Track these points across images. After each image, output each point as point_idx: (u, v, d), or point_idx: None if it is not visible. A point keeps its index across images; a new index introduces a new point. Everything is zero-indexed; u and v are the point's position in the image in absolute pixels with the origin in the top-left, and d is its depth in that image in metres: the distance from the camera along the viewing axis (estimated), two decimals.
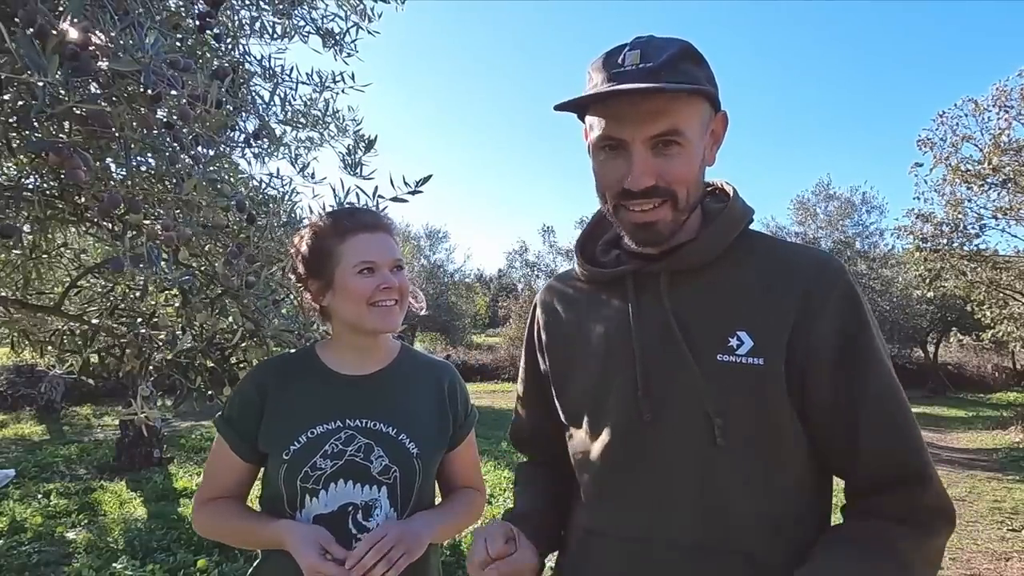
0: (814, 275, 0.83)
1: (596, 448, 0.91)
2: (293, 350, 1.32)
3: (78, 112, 0.97)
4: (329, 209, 1.30)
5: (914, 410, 0.84)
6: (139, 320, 1.62)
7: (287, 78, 1.70)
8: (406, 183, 1.39)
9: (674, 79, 0.79)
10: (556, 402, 1.01)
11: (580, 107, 0.87)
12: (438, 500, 1.29)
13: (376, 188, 1.42)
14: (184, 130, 1.05)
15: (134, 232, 1.14)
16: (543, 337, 1.05)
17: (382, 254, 1.15)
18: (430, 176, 1.39)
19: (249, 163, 1.65)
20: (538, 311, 1.07)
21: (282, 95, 1.69)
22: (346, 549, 1.05)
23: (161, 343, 1.59)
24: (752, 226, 0.93)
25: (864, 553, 0.78)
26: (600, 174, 0.87)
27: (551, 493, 1.05)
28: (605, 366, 0.92)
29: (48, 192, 1.35)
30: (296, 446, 1.13)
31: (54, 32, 0.83)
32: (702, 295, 0.87)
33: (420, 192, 1.39)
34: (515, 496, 1.12)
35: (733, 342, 0.83)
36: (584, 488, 0.95)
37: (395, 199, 1.38)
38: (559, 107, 0.85)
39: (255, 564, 1.21)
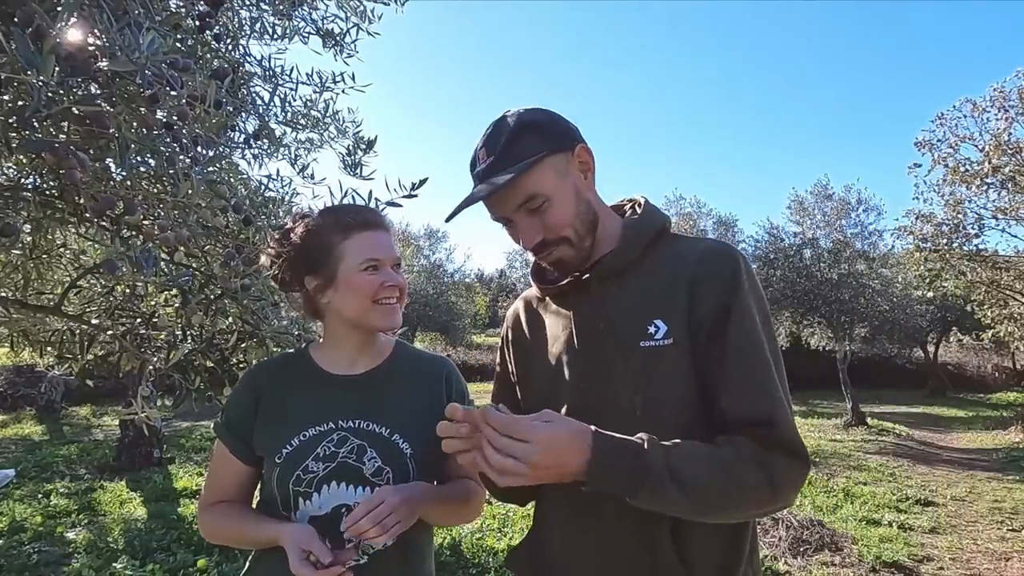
0: (700, 260, 0.98)
1: None
2: (292, 350, 1.31)
3: (76, 112, 0.97)
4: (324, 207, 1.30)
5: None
6: (139, 321, 1.62)
7: (287, 79, 1.70)
8: (401, 186, 1.39)
9: (510, 162, 0.97)
10: (520, 398, 1.18)
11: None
12: None
13: (371, 192, 1.41)
14: (184, 130, 1.04)
15: (131, 233, 1.14)
16: (511, 343, 1.22)
17: (386, 252, 1.17)
18: (426, 179, 1.38)
19: (249, 164, 1.65)
20: (507, 322, 1.25)
21: (282, 96, 1.69)
22: (336, 550, 1.05)
23: (161, 343, 1.59)
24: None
25: (709, 445, 0.90)
26: (513, 240, 1.07)
27: None
28: (557, 363, 1.08)
29: (47, 192, 1.34)
30: (288, 449, 1.12)
31: (52, 32, 0.83)
32: (626, 293, 1.02)
33: (415, 196, 1.39)
34: None
35: (651, 329, 0.97)
36: None
37: (390, 203, 1.37)
38: (449, 219, 1.02)
39: (248, 564, 1.20)
